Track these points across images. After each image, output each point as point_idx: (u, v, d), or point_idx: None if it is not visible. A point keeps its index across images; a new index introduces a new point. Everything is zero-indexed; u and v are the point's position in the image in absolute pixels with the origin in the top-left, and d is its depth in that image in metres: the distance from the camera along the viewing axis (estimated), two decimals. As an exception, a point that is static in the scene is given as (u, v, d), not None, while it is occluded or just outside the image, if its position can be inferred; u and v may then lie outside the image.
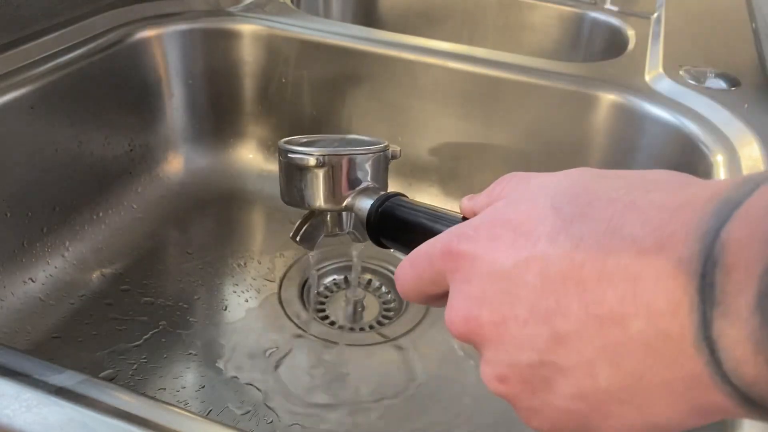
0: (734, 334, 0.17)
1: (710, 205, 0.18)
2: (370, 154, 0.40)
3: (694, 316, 0.18)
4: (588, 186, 0.22)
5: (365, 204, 0.37)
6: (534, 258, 0.21)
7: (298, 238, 0.42)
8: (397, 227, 0.35)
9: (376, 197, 0.36)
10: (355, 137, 0.44)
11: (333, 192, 0.39)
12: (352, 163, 0.39)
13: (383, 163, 0.41)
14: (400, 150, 0.42)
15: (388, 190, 0.38)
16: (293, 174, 0.39)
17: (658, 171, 0.22)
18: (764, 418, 0.19)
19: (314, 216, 0.42)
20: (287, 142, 0.41)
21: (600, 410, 0.21)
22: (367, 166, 0.39)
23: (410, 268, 0.27)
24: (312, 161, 0.38)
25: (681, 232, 0.18)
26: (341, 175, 0.39)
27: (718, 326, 0.17)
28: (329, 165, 0.38)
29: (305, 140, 0.42)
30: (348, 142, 0.43)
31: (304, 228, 0.42)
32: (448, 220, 0.31)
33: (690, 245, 0.18)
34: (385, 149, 0.41)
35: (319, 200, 0.39)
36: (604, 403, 0.21)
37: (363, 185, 0.39)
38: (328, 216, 0.42)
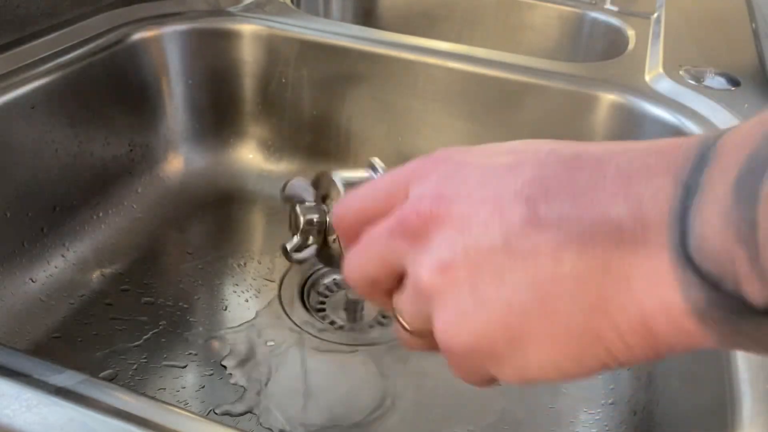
0: (707, 214, 0.17)
1: (694, 141, 0.18)
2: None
3: (674, 202, 0.17)
4: (557, 149, 0.22)
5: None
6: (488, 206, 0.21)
7: (289, 248, 0.42)
8: None
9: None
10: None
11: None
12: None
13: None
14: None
15: None
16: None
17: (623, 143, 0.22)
18: (720, 326, 0.17)
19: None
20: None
21: (547, 304, 0.19)
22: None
23: (359, 192, 0.26)
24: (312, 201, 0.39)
25: (664, 162, 0.18)
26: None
27: (694, 210, 0.17)
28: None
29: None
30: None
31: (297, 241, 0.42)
32: None
33: (681, 160, 0.18)
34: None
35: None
36: (556, 294, 0.19)
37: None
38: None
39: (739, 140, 0.17)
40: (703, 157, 0.18)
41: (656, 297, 0.18)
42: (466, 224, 0.21)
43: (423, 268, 0.21)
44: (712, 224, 0.16)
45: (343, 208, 0.27)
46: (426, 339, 0.24)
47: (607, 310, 0.19)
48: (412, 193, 0.23)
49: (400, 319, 0.24)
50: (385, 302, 0.25)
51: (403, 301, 0.23)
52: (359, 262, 0.25)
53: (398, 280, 0.24)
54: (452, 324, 0.21)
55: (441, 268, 0.21)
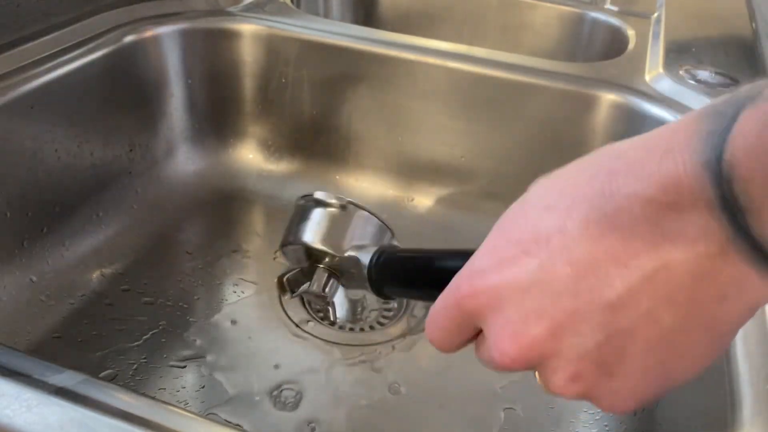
0: None
1: (695, 141, 0.19)
2: (383, 227, 0.41)
3: (728, 229, 0.19)
4: (566, 177, 0.23)
5: (364, 257, 0.37)
6: (554, 254, 0.22)
7: (285, 279, 0.43)
8: (398, 273, 0.36)
9: (374, 251, 0.37)
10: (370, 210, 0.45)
11: (340, 236, 0.40)
12: (367, 222, 0.40)
13: (384, 238, 0.41)
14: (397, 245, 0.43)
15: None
16: (307, 212, 0.41)
17: (607, 146, 0.23)
18: None
19: (305, 268, 0.43)
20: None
21: (673, 349, 0.21)
22: (376, 235, 0.41)
23: (435, 327, 0.27)
24: (335, 201, 0.40)
25: (680, 170, 0.19)
26: (353, 226, 0.40)
27: (756, 228, 0.18)
28: (348, 211, 0.40)
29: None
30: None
31: (292, 272, 0.43)
32: (450, 258, 0.31)
33: (696, 176, 0.19)
34: (393, 234, 0.42)
35: (325, 240, 0.40)
36: (675, 342, 0.21)
37: (365, 243, 0.40)
38: (318, 274, 0.42)
39: (756, 148, 0.18)
40: (719, 176, 0.19)
41: (755, 294, 0.20)
42: (565, 325, 0.22)
43: (561, 379, 0.23)
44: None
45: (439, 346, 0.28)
46: None
47: (723, 335, 0.22)
48: (498, 327, 0.23)
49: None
50: None
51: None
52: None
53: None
54: (619, 396, 0.23)
55: (574, 377, 0.23)
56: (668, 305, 0.21)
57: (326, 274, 0.41)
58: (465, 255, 0.26)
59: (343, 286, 0.42)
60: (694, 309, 0.21)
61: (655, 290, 0.20)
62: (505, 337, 0.23)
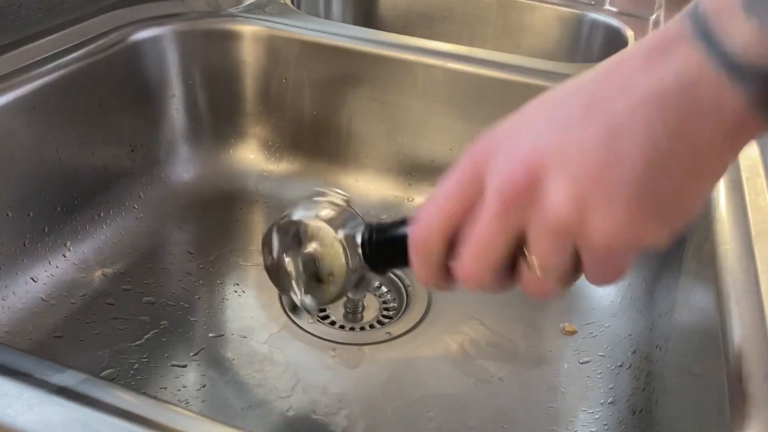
0: (735, 33, 0.21)
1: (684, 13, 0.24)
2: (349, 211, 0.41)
3: (703, 49, 0.22)
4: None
5: (358, 236, 0.38)
6: (567, 93, 0.26)
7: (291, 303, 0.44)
8: (391, 246, 0.36)
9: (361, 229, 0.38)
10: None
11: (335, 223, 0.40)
12: (338, 218, 0.40)
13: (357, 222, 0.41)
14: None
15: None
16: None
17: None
18: None
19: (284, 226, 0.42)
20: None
21: (667, 177, 0.23)
22: (349, 220, 0.40)
23: (435, 205, 0.28)
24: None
25: (667, 27, 0.24)
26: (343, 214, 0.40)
27: (721, 37, 0.22)
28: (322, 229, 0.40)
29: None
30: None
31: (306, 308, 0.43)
32: None
33: (681, 23, 0.24)
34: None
35: (324, 220, 0.40)
36: (668, 167, 0.23)
37: (353, 228, 0.39)
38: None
39: None
40: (695, 16, 0.24)
41: (730, 111, 0.23)
42: (562, 157, 0.24)
43: (558, 211, 0.24)
44: (747, 40, 0.21)
45: (425, 229, 0.29)
46: (566, 278, 0.26)
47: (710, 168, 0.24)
48: (496, 169, 0.26)
49: (548, 274, 0.26)
50: (507, 284, 0.28)
51: (545, 256, 0.25)
52: (485, 262, 0.27)
53: (513, 255, 0.27)
54: (616, 224, 0.24)
55: (576, 197, 0.24)
56: (662, 124, 0.23)
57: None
58: None
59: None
60: (682, 130, 0.23)
61: (651, 112, 0.23)
62: (506, 164, 0.25)
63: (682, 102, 0.23)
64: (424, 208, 0.29)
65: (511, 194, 0.25)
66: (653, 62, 0.24)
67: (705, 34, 0.22)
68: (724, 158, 0.24)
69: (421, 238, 0.29)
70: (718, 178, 0.25)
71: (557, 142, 0.24)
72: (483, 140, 0.27)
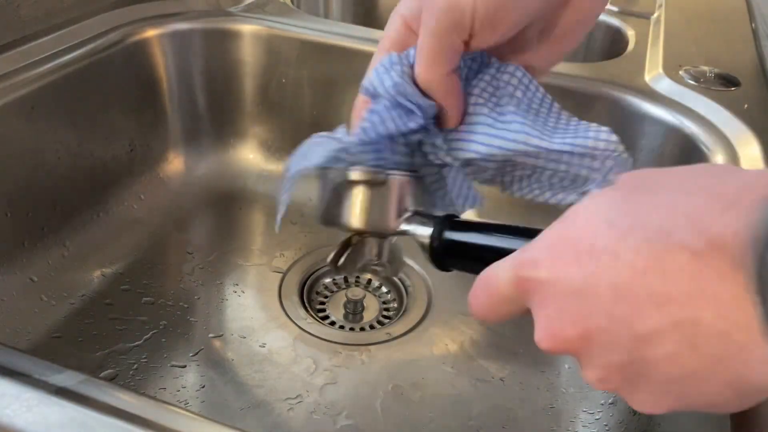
0: None
1: (755, 210, 0.20)
2: (419, 179, 0.38)
3: (757, 309, 0.20)
4: (634, 196, 0.24)
5: (423, 229, 0.35)
6: (600, 272, 0.23)
7: (338, 264, 0.39)
8: (466, 249, 0.34)
9: (431, 221, 0.35)
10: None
11: (385, 214, 0.37)
12: (405, 186, 0.37)
13: (429, 195, 0.39)
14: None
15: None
16: (344, 192, 0.37)
17: (697, 168, 0.24)
18: None
19: (352, 243, 0.39)
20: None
21: (694, 388, 0.23)
22: (417, 191, 0.37)
23: (483, 295, 0.28)
24: (378, 178, 0.36)
25: (729, 234, 0.20)
26: (395, 198, 0.36)
27: None
28: (387, 184, 0.36)
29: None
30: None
31: (345, 254, 0.39)
32: (515, 236, 0.31)
33: (742, 249, 0.20)
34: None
35: (370, 222, 0.37)
36: (695, 383, 0.23)
37: (413, 210, 0.37)
38: (366, 244, 0.39)
39: None
40: (762, 259, 0.20)
41: None
42: (596, 343, 0.24)
43: (590, 378, 0.25)
44: None
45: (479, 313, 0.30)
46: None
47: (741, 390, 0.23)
48: (539, 318, 0.26)
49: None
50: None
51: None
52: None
53: None
54: (641, 403, 0.25)
55: (602, 380, 0.25)
56: (692, 353, 0.22)
57: (376, 241, 0.39)
58: (536, 234, 0.28)
59: (378, 266, 0.40)
60: (717, 365, 0.22)
61: (682, 337, 0.22)
62: (544, 330, 0.25)
63: (718, 345, 0.21)
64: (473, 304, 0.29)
65: (551, 350, 0.26)
66: (699, 281, 0.21)
67: (764, 291, 0.20)
68: (764, 388, 0.22)
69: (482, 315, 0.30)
70: (765, 394, 0.23)
71: (592, 324, 0.24)
72: (528, 274, 0.26)
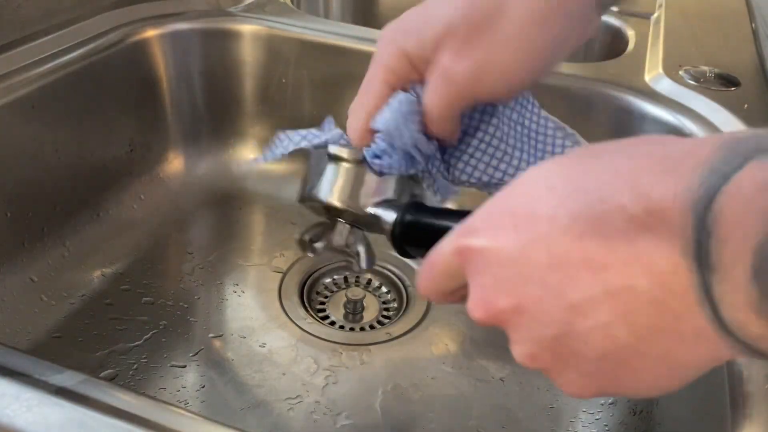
0: (735, 301, 0.18)
1: (696, 174, 0.19)
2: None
3: (693, 277, 0.19)
4: (576, 162, 0.23)
5: (389, 215, 0.36)
6: (537, 239, 0.23)
7: (306, 239, 0.41)
8: (423, 233, 0.35)
9: (398, 208, 0.36)
10: None
11: (358, 193, 0.38)
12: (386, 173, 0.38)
13: (409, 185, 0.40)
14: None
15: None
16: (321, 166, 0.39)
17: (643, 137, 0.23)
18: None
19: (326, 224, 0.41)
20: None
21: (626, 366, 0.22)
22: (398, 182, 0.38)
23: (428, 270, 0.29)
24: (357, 156, 0.38)
25: (668, 199, 0.19)
26: (372, 179, 0.38)
27: (717, 291, 0.19)
28: (366, 165, 0.38)
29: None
30: None
31: (318, 235, 0.41)
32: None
33: (681, 213, 0.19)
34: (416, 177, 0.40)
35: (344, 198, 0.38)
36: (627, 359, 0.22)
37: (384, 197, 0.38)
38: (339, 229, 0.41)
39: (739, 216, 0.18)
40: (701, 224, 0.19)
41: (714, 348, 0.20)
42: (525, 313, 0.24)
43: (517, 357, 0.25)
44: (746, 314, 0.18)
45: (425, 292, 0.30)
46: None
47: (678, 370, 0.22)
48: (473, 287, 0.26)
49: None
50: None
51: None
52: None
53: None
54: (568, 384, 0.25)
55: (531, 356, 0.24)
56: (625, 324, 0.21)
57: (347, 227, 0.40)
58: None
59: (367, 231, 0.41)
60: (651, 337, 0.21)
61: (616, 306, 0.21)
62: (477, 300, 0.25)
63: (653, 314, 0.21)
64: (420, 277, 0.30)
65: (483, 321, 0.25)
66: (635, 245, 0.20)
67: (701, 258, 0.19)
68: (702, 368, 0.22)
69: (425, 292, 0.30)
70: (694, 374, 0.22)
71: (526, 294, 0.23)
72: (466, 243, 0.26)
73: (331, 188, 0.39)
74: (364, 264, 0.41)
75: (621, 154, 0.22)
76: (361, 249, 0.41)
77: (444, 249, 0.27)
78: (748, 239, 0.18)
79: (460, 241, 0.26)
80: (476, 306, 0.25)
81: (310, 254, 0.42)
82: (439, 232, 0.32)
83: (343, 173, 0.38)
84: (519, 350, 0.25)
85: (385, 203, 0.37)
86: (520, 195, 0.24)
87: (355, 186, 0.38)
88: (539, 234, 0.23)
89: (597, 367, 0.23)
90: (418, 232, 0.35)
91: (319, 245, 0.41)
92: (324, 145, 0.40)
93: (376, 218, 0.37)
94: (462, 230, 0.26)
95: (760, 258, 0.17)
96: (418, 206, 0.36)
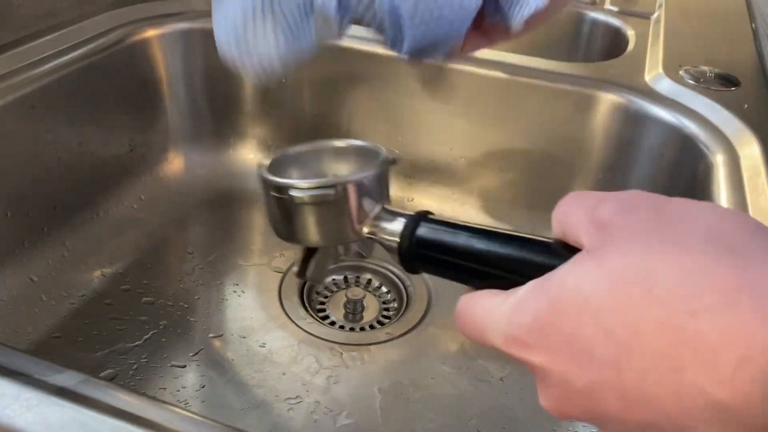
0: None
1: (761, 370, 0.18)
2: (377, 171, 0.34)
3: None
4: (629, 292, 0.20)
5: (390, 230, 0.32)
6: (605, 384, 0.21)
7: (307, 275, 0.37)
8: (438, 252, 0.31)
9: (398, 219, 0.32)
10: (346, 145, 0.39)
11: (346, 224, 0.34)
12: (363, 188, 0.33)
13: (387, 175, 0.36)
14: (395, 155, 0.37)
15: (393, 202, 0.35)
16: (294, 210, 0.34)
17: (703, 256, 0.20)
18: None
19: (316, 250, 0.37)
20: (273, 169, 0.35)
21: None
22: (377, 186, 0.34)
23: (473, 338, 0.26)
24: (327, 196, 0.32)
25: (745, 396, 0.18)
26: (354, 204, 0.33)
27: None
28: (340, 196, 0.33)
29: (291, 161, 0.37)
30: (340, 155, 0.38)
31: (310, 265, 0.37)
32: (493, 240, 0.28)
33: (752, 407, 0.18)
34: (387, 160, 0.36)
35: (331, 236, 0.34)
36: None
37: (377, 209, 0.34)
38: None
39: None
40: None
41: None
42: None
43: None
44: None
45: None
46: None
47: None
48: (543, 392, 0.24)
49: None
50: None
51: None
52: None
53: None
54: None
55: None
56: None
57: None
58: (520, 242, 0.26)
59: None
60: None
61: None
62: (551, 405, 0.24)
63: None
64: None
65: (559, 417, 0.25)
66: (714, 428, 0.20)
67: None
68: None
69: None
70: None
71: (599, 415, 0.23)
72: (530, 347, 0.24)
73: (313, 231, 0.34)
74: (366, 254, 0.38)
75: (675, 293, 0.19)
76: (360, 246, 0.37)
77: (492, 341, 0.25)
78: None
79: (512, 350, 0.24)
80: (552, 410, 0.24)
81: (314, 282, 0.39)
82: (456, 254, 0.29)
83: (318, 215, 0.34)
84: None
85: (381, 216, 0.33)
86: (571, 319, 0.22)
87: (337, 221, 0.34)
88: (606, 380, 0.21)
89: None
90: (429, 248, 0.31)
91: (316, 274, 0.38)
92: (285, 190, 0.34)
93: (376, 237, 0.33)
94: (511, 338, 0.24)
95: None
96: (423, 218, 0.32)
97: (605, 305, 0.21)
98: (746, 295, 0.18)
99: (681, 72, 0.61)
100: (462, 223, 0.30)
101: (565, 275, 0.22)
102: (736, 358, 0.18)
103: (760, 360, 0.18)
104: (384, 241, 0.33)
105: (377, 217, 0.34)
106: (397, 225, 0.32)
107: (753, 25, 0.72)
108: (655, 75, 0.61)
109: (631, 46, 0.71)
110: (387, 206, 0.34)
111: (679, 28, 0.71)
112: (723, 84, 0.59)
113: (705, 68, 0.61)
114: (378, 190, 0.34)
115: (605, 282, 0.21)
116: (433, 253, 0.31)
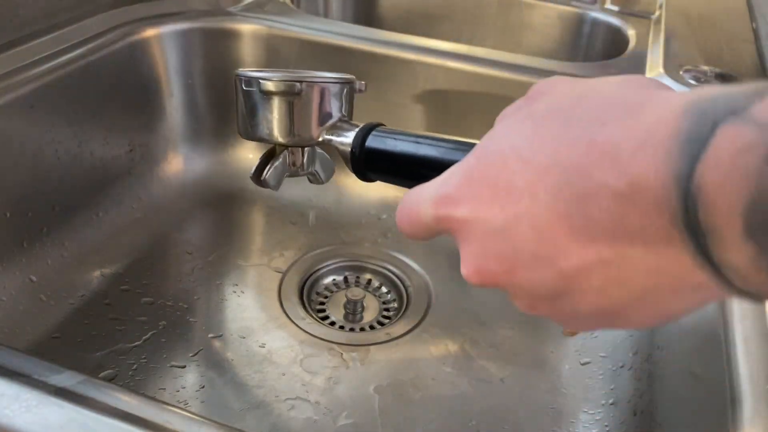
0: (733, 259, 0.19)
1: (673, 145, 0.19)
2: (342, 85, 0.38)
3: (688, 243, 0.19)
4: (545, 128, 0.23)
5: (345, 138, 0.35)
6: (521, 215, 0.23)
7: (262, 178, 0.39)
8: (386, 159, 0.34)
9: (354, 129, 0.35)
10: (317, 72, 0.41)
11: (307, 124, 0.37)
12: (326, 93, 0.37)
13: (351, 96, 0.39)
14: (365, 84, 0.41)
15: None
16: (261, 104, 0.37)
17: (610, 87, 0.24)
18: None
19: (276, 154, 0.39)
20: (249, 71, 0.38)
21: (621, 313, 0.23)
22: (340, 98, 0.37)
23: (407, 222, 0.29)
24: (293, 87, 0.35)
25: (650, 173, 0.20)
26: (316, 106, 0.36)
27: (715, 253, 0.19)
28: (305, 93, 0.36)
29: (267, 71, 0.40)
30: (313, 75, 0.41)
31: (267, 168, 0.39)
32: (438, 145, 0.31)
33: (665, 187, 0.19)
34: (352, 81, 0.39)
35: (292, 133, 0.37)
36: (623, 308, 0.23)
37: (336, 118, 0.37)
38: (290, 153, 0.40)
39: (721, 184, 0.18)
40: (686, 195, 0.19)
41: (711, 296, 0.21)
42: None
43: (520, 306, 0.26)
44: (747, 269, 0.18)
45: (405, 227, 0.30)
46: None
47: (670, 313, 0.23)
48: (464, 253, 0.26)
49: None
50: None
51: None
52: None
53: None
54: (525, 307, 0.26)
55: (530, 308, 0.26)
56: (620, 287, 0.22)
57: (300, 153, 0.39)
58: (459, 147, 0.28)
59: (308, 175, 0.41)
60: (646, 294, 0.22)
61: (609, 273, 0.22)
62: (470, 267, 0.26)
63: (649, 278, 0.21)
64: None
65: (478, 284, 0.26)
66: (624, 222, 0.21)
67: (693, 227, 0.19)
68: (696, 307, 0.23)
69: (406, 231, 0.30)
70: (689, 312, 0.23)
71: (518, 261, 0.24)
72: (448, 212, 0.26)
73: (276, 125, 0.37)
74: (323, 178, 0.41)
75: (592, 119, 0.22)
76: (318, 167, 0.40)
77: (424, 213, 0.27)
78: (735, 207, 0.18)
79: (440, 210, 0.26)
80: (471, 272, 0.26)
81: (268, 187, 0.40)
82: (403, 159, 0.32)
83: (283, 108, 0.37)
84: (519, 304, 0.26)
85: (339, 125, 0.36)
86: (496, 165, 0.24)
87: (300, 117, 0.36)
88: (522, 210, 0.23)
89: (593, 317, 0.24)
90: (378, 156, 0.34)
91: (271, 177, 0.39)
92: (255, 83, 0.37)
93: (331, 142, 0.36)
94: (440, 199, 0.26)
95: (748, 221, 0.18)
96: (375, 128, 0.35)
97: (527, 143, 0.24)
98: (649, 110, 0.21)
99: (681, 72, 0.61)
100: (408, 132, 0.33)
101: (490, 133, 0.26)
102: (632, 147, 0.20)
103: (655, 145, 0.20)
104: (338, 147, 0.36)
105: (335, 126, 0.37)
106: (352, 135, 0.35)
107: (754, 26, 0.72)
108: (656, 75, 0.61)
109: (631, 46, 0.71)
110: (345, 118, 0.37)
111: (679, 28, 0.71)
112: (723, 84, 0.59)
113: (706, 68, 0.61)
114: (340, 104, 0.37)
115: (528, 123, 0.24)
116: (380, 160, 0.34)
